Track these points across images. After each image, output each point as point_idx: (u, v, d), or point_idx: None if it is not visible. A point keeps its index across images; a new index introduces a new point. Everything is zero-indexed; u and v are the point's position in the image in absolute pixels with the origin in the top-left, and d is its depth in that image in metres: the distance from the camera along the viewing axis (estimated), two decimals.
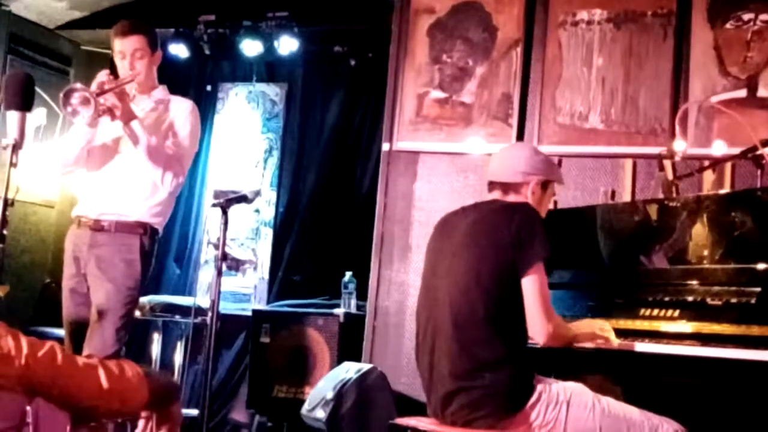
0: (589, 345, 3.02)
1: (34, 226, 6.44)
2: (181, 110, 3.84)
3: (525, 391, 2.76)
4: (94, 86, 3.49)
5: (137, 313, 4.13)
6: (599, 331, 3.00)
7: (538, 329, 2.80)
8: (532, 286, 2.79)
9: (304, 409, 4.32)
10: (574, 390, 2.81)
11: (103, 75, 3.56)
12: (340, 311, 5.12)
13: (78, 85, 3.47)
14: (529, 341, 2.90)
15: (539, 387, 2.78)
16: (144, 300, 5.37)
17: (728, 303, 2.88)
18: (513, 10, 4.69)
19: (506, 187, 3.03)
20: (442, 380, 2.85)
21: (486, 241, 2.87)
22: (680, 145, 3.60)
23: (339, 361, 4.75)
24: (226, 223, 3.40)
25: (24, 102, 2.92)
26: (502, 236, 2.83)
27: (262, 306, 6.08)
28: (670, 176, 3.64)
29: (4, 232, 2.84)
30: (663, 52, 4.35)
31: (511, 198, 3.02)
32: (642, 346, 2.94)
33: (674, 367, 2.97)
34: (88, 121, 3.49)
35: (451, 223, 3.10)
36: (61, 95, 3.41)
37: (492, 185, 3.09)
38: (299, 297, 5.72)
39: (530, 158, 3.07)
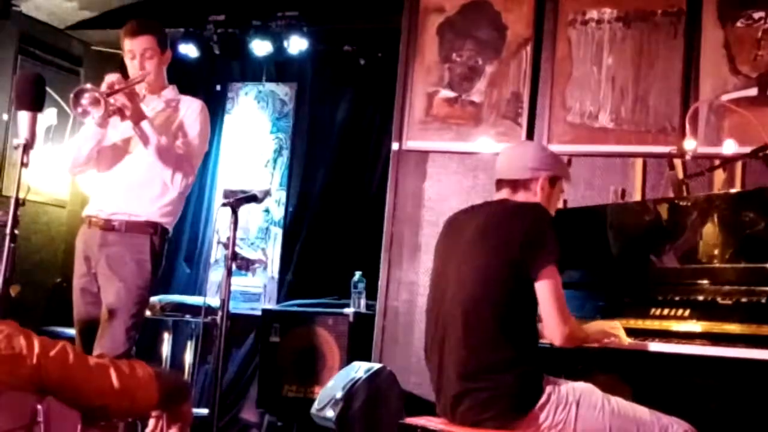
0: (598, 344, 3.01)
1: (45, 225, 6.47)
2: (191, 110, 3.85)
3: (534, 392, 2.76)
4: (104, 86, 3.50)
5: (147, 313, 4.13)
6: (609, 329, 3.00)
7: (554, 331, 2.79)
8: (546, 288, 2.79)
9: (314, 408, 4.33)
10: (584, 390, 2.80)
11: (113, 76, 3.57)
12: (349, 311, 5.12)
13: (88, 86, 3.48)
14: (541, 341, 2.90)
15: (548, 388, 2.77)
16: (154, 299, 5.39)
17: (739, 302, 2.87)
18: (522, 9, 4.68)
19: (515, 185, 3.01)
20: (452, 380, 2.85)
21: (496, 242, 2.86)
22: (690, 144, 3.59)
23: (348, 361, 4.75)
24: (235, 222, 3.41)
25: (35, 102, 2.93)
26: (513, 237, 2.82)
27: (271, 305, 6.09)
28: (681, 175, 3.63)
29: (16, 231, 2.85)
30: (673, 51, 4.34)
31: (521, 195, 3.00)
32: (652, 346, 2.94)
33: (684, 367, 2.96)
34: (98, 121, 3.50)
35: (460, 222, 3.09)
36: (71, 96, 3.42)
37: (500, 183, 3.06)
38: (309, 297, 5.72)
39: (537, 154, 3.06)
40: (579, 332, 2.90)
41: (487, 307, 2.80)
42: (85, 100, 3.43)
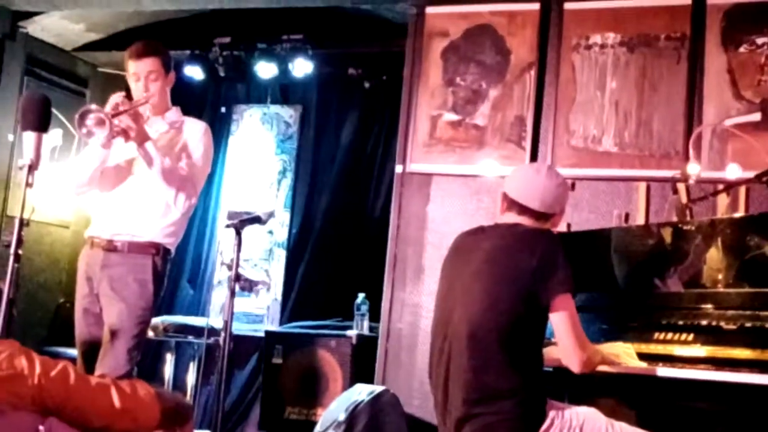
0: (602, 369, 3.00)
1: (48, 246, 6.47)
2: (195, 132, 3.86)
3: (537, 418, 2.74)
4: (108, 107, 3.51)
5: (150, 334, 4.14)
6: (624, 353, 2.99)
7: (572, 360, 2.80)
8: (562, 319, 2.78)
9: (316, 431, 4.31)
10: (587, 415, 2.79)
11: (117, 96, 3.58)
12: (352, 333, 5.12)
13: (93, 107, 3.49)
14: (544, 366, 2.90)
15: (552, 413, 2.76)
16: (157, 320, 5.38)
17: (743, 327, 2.86)
18: (526, 34, 4.70)
19: (536, 215, 2.96)
20: (455, 404, 2.83)
21: (506, 267, 2.84)
22: (694, 169, 3.59)
23: (351, 383, 4.74)
24: (239, 243, 3.41)
25: (40, 123, 2.95)
26: (524, 263, 2.80)
27: (274, 327, 6.09)
28: (684, 199, 3.63)
29: (20, 251, 2.86)
30: (676, 76, 4.36)
31: (535, 223, 2.96)
32: (658, 370, 2.92)
33: (688, 392, 2.94)
34: (102, 142, 3.51)
35: (468, 243, 3.06)
36: (76, 116, 3.43)
37: (516, 206, 2.98)
38: (312, 318, 5.71)
39: (564, 192, 3.05)
40: (596, 357, 2.91)
41: (493, 333, 2.78)
42: (90, 120, 3.44)
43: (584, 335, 2.84)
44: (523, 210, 2.98)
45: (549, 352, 2.99)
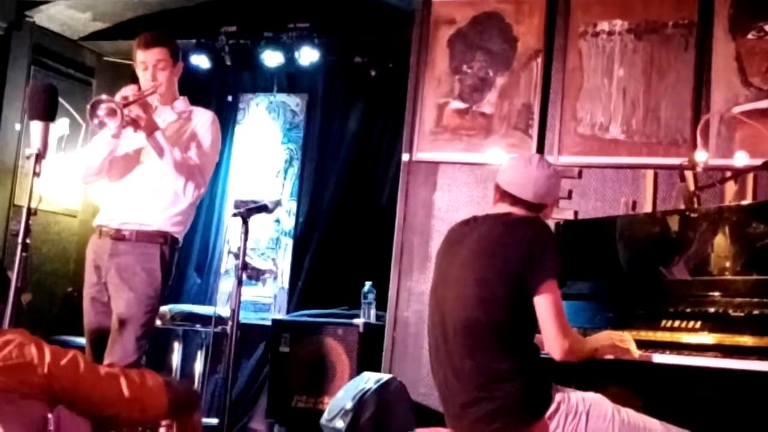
0: (609, 356, 3.00)
1: (56, 235, 6.49)
2: (203, 121, 3.87)
3: (543, 401, 2.75)
4: (118, 97, 3.53)
5: (158, 322, 4.15)
6: (619, 342, 2.98)
7: (554, 346, 2.79)
8: (545, 304, 2.78)
9: (324, 419, 4.32)
10: (594, 401, 2.80)
11: (128, 88, 3.60)
12: (359, 321, 5.12)
13: (104, 97, 3.50)
14: (542, 353, 2.90)
15: (558, 397, 2.77)
16: (165, 309, 5.40)
17: (750, 314, 2.86)
18: (533, 21, 4.69)
19: (527, 205, 2.97)
20: (458, 392, 2.85)
21: (496, 255, 2.85)
22: (702, 156, 3.58)
23: (358, 372, 4.75)
24: (246, 232, 3.42)
25: (47, 112, 2.96)
26: (513, 250, 2.81)
27: (282, 316, 6.09)
28: (692, 187, 3.63)
29: (28, 241, 2.87)
30: (684, 63, 4.34)
31: (526, 212, 2.97)
32: (663, 358, 2.93)
33: (695, 379, 2.94)
34: (114, 132, 3.52)
35: (460, 233, 3.07)
36: (88, 107, 3.44)
37: (508, 197, 3.00)
38: (319, 307, 5.72)
39: (555, 182, 3.06)
40: (579, 346, 2.89)
41: (486, 321, 2.80)
42: (101, 111, 3.46)
43: (567, 323, 2.82)
44: (515, 201, 2.99)
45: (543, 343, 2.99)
